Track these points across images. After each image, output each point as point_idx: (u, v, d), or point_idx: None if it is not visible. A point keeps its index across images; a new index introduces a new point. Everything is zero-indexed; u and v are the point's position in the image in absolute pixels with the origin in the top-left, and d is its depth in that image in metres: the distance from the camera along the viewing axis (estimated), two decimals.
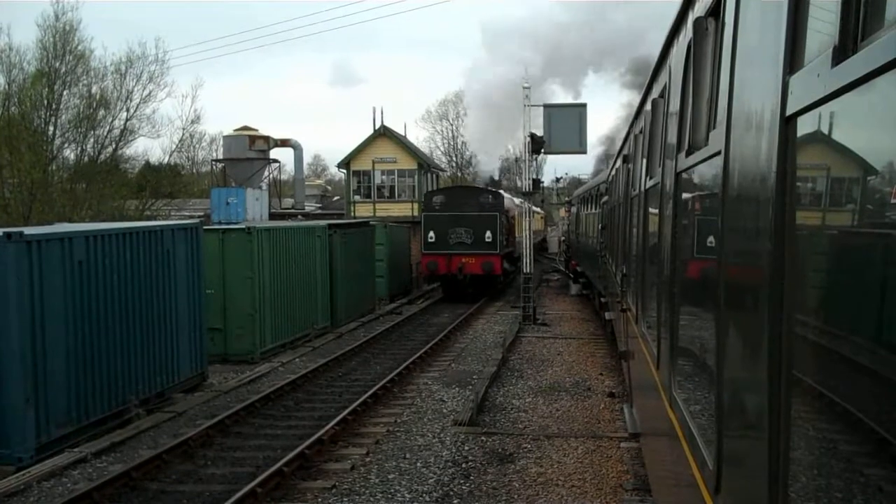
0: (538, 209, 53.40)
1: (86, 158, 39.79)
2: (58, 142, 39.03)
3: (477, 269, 33.21)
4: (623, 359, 12.09)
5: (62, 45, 38.96)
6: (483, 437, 13.17)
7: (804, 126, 2.17)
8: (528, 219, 31.00)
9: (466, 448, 12.59)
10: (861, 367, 1.89)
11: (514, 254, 37.60)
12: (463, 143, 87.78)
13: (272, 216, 48.02)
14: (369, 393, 15.54)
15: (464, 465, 11.81)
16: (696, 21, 4.09)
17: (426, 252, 33.59)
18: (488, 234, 33.12)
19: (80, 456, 12.18)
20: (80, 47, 39.57)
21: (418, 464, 11.86)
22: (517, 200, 40.74)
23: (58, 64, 38.82)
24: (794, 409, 2.28)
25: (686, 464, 4.15)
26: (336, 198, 71.01)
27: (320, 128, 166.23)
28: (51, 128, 38.62)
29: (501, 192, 37.64)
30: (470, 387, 16.67)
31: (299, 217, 45.21)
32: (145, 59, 41.45)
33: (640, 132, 8.61)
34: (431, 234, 33.42)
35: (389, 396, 16.15)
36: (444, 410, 14.95)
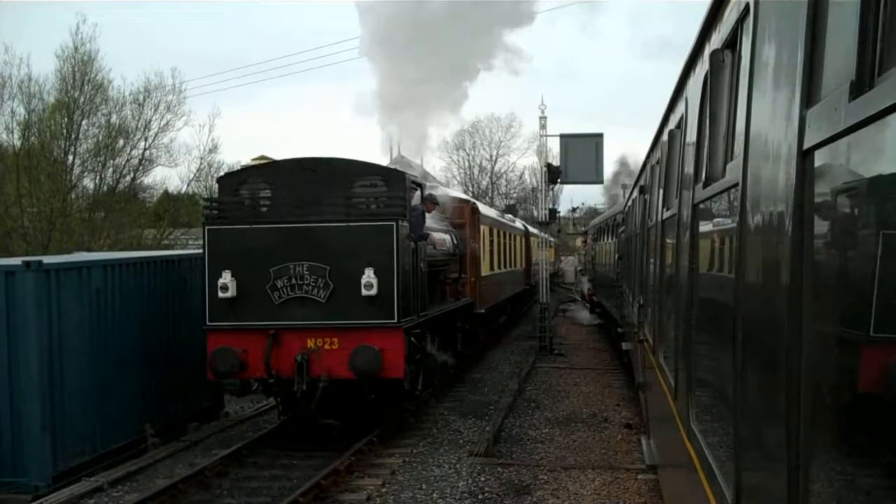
0: (537, 233, 38.65)
1: (104, 187, 40.00)
2: (77, 171, 39.27)
3: (340, 367, 13.67)
4: (640, 390, 12.04)
5: (81, 75, 39.29)
6: (499, 468, 13.09)
7: (821, 159, 2.18)
8: (542, 249, 30.88)
9: (483, 479, 12.52)
10: (882, 401, 1.89)
11: (477, 308, 22.03)
12: (480, 171, 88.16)
13: None
14: None
15: (480, 497, 11.74)
16: (713, 53, 4.11)
17: (212, 326, 14.14)
18: (369, 275, 13.63)
19: (97, 485, 12.18)
20: (98, 77, 39.92)
21: (434, 494, 11.80)
22: (492, 213, 28.67)
23: (77, 94, 39.13)
24: (814, 442, 2.27)
25: (704, 497, 4.12)
26: None
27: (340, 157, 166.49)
28: (70, 157, 38.88)
29: (417, 178, 16.46)
30: (486, 417, 16.61)
31: None
32: (163, 88, 41.78)
33: (657, 163, 8.62)
34: (227, 277, 13.92)
35: (405, 427, 16.10)
36: (461, 441, 14.89)
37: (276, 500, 11.32)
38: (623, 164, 52.82)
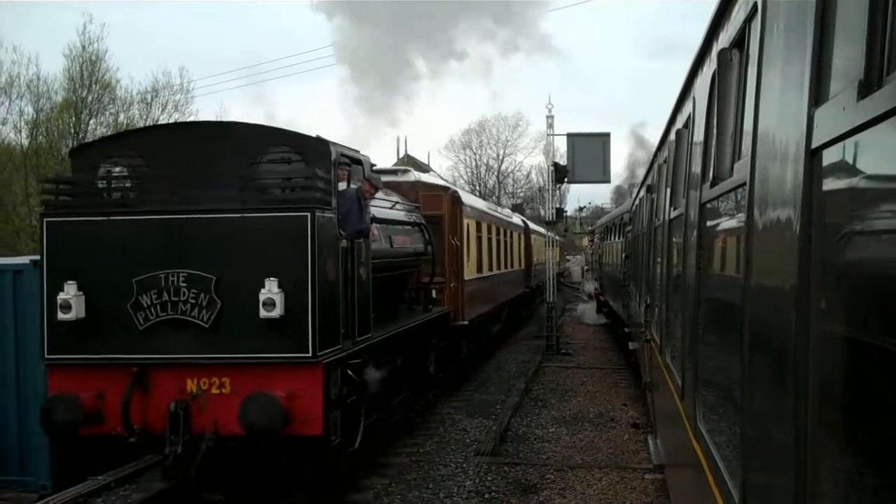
0: (541, 230, 36.69)
1: None
2: None
3: (232, 419, 9.33)
4: (647, 390, 12.03)
5: (89, 74, 39.48)
6: (506, 468, 13.09)
7: (829, 159, 2.18)
8: (550, 248, 30.81)
9: (489, 478, 12.52)
10: (889, 402, 1.88)
11: (454, 322, 18.40)
12: (486, 171, 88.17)
13: None
14: None
15: (487, 496, 11.74)
16: (721, 52, 4.10)
17: (52, 360, 10.00)
18: (270, 289, 9.36)
19: (104, 483, 12.19)
20: (106, 76, 40.10)
21: (441, 494, 11.81)
22: (480, 205, 25.19)
23: (84, 93, 39.32)
24: (821, 442, 2.26)
25: (711, 496, 4.11)
26: None
27: None
28: None
29: (351, 151, 11.30)
30: (493, 416, 16.61)
31: None
32: (170, 88, 41.94)
33: (664, 162, 8.61)
34: (71, 292, 9.68)
35: (413, 426, 16.11)
36: (467, 440, 14.89)
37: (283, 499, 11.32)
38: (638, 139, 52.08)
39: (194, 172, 10.06)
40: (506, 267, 27.62)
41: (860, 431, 2.07)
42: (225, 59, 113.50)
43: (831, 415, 2.24)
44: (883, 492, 1.93)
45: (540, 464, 13.40)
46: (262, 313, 9.27)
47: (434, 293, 16.73)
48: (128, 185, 10.58)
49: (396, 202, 15.50)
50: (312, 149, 10.21)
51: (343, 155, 10.84)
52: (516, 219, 34.14)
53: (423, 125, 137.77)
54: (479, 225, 22.06)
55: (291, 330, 9.47)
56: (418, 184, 18.72)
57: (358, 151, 11.70)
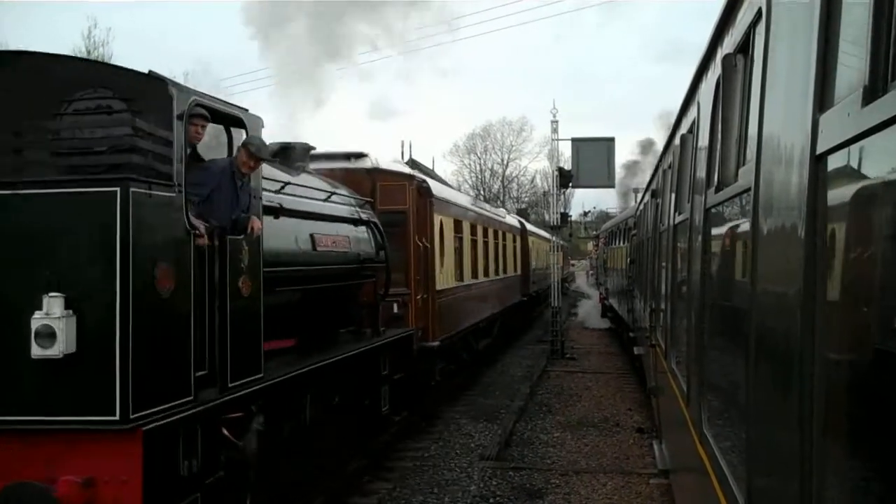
0: (543, 234, 37.20)
1: None
2: None
3: None
4: (652, 395, 12.02)
5: None
6: (511, 472, 13.08)
7: (834, 164, 2.18)
8: (555, 252, 30.76)
9: (494, 483, 12.50)
10: (895, 407, 1.88)
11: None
12: (491, 175, 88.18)
13: None
14: None
15: (491, 501, 11.72)
16: (725, 58, 4.10)
17: None
18: (51, 310, 5.69)
19: None
20: None
21: (445, 498, 11.79)
22: (461, 199, 21.50)
23: None
24: (826, 447, 2.26)
25: (716, 501, 4.11)
26: None
27: None
28: None
29: (216, 101, 7.31)
30: (497, 421, 16.59)
31: None
32: None
33: (669, 167, 8.62)
34: None
35: (416, 430, 16.10)
36: (472, 445, 14.87)
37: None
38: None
39: None
40: (497, 273, 24.57)
41: (866, 436, 2.07)
42: (235, 61, 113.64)
43: (837, 420, 2.24)
44: (889, 497, 1.94)
45: (545, 468, 13.38)
46: (36, 350, 5.72)
47: (395, 308, 14.02)
48: None
49: (334, 192, 11.63)
50: (142, 92, 6.63)
51: (202, 106, 7.11)
52: (511, 219, 31.89)
53: (427, 130, 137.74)
54: (458, 224, 18.70)
55: (86, 377, 5.85)
56: (375, 172, 14.98)
57: (241, 108, 8.00)
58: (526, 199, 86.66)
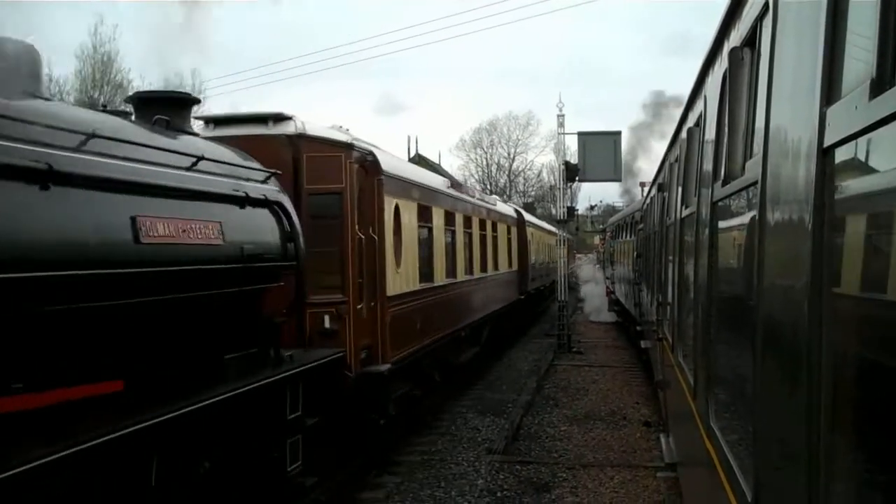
0: (547, 226, 35.92)
1: None
2: None
3: None
4: (659, 388, 12.02)
5: (101, 75, 39.60)
6: (518, 466, 13.09)
7: (841, 157, 2.18)
8: (561, 247, 30.68)
9: (501, 477, 12.52)
10: None
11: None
12: (497, 170, 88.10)
13: None
14: None
15: (499, 494, 11.74)
16: (732, 51, 4.09)
17: None
18: None
19: None
20: (118, 77, 40.19)
21: (453, 492, 11.81)
22: (430, 179, 17.20)
23: (96, 94, 39.43)
24: (834, 441, 2.26)
25: (723, 494, 4.11)
26: None
27: None
28: None
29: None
30: (505, 415, 16.60)
31: None
32: (182, 89, 42.03)
33: (676, 161, 8.60)
34: None
35: (423, 425, 16.12)
36: (479, 439, 14.89)
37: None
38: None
39: None
40: (485, 270, 21.21)
41: (873, 430, 2.07)
42: (241, 56, 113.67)
43: (844, 414, 2.24)
44: None
45: (552, 462, 13.40)
46: None
47: (326, 322, 10.91)
48: None
49: (202, 158, 7.85)
50: None
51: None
52: (504, 206, 28.32)
53: (433, 124, 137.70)
54: (425, 210, 15.09)
55: None
56: (300, 139, 11.18)
57: None
58: (532, 193, 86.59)
